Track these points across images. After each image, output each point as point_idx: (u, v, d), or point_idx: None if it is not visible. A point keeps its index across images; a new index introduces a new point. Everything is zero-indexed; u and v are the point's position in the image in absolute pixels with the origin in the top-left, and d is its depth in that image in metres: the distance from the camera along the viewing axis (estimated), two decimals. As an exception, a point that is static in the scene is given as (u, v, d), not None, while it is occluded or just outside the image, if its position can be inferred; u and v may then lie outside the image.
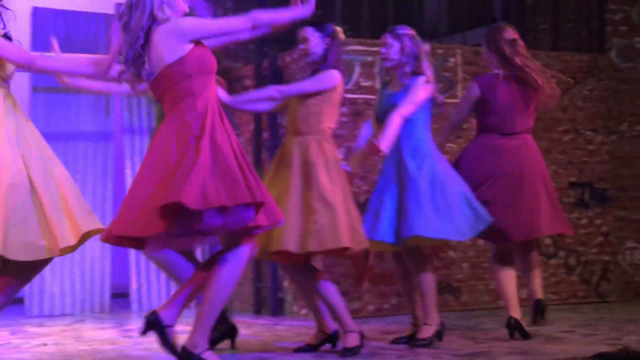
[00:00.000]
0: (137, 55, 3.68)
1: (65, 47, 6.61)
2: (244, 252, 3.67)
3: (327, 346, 4.52)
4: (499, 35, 4.90)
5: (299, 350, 4.48)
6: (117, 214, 3.63)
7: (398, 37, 4.66)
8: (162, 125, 3.68)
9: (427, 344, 4.46)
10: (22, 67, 3.96)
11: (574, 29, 7.32)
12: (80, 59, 4.09)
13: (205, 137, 3.53)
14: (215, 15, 7.43)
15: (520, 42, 4.93)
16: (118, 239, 3.59)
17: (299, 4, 3.89)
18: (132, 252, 6.56)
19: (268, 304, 6.31)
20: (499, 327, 5.19)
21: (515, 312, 4.71)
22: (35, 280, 6.48)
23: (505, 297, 4.77)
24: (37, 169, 3.78)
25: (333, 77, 4.39)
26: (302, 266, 4.41)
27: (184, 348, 3.61)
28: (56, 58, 4.10)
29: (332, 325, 4.50)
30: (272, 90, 4.60)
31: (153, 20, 3.65)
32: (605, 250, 6.87)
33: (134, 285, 6.77)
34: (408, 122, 4.56)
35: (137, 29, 3.65)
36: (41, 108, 6.59)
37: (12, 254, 3.65)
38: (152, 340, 3.99)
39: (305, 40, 4.47)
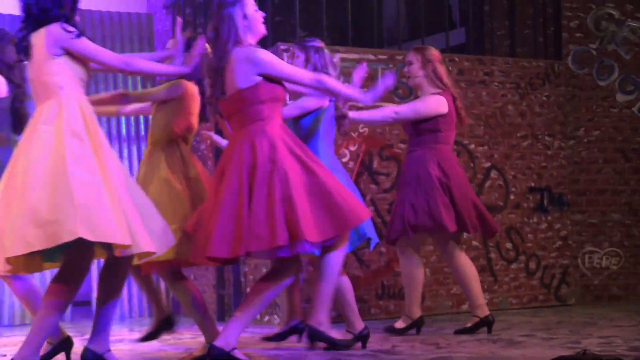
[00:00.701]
0: (218, 72, 3.93)
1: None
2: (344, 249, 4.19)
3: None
4: (433, 56, 5.24)
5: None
6: (201, 234, 3.86)
7: (304, 48, 4.77)
8: (232, 146, 3.92)
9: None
10: (114, 70, 3.93)
11: (530, 35, 7.41)
12: (159, 62, 4.22)
13: (280, 165, 3.83)
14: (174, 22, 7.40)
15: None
16: (209, 259, 3.91)
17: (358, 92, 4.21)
18: (93, 261, 6.50)
19: (230, 311, 6.29)
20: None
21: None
22: (-6, 290, 6.43)
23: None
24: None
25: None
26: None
27: (309, 327, 4.18)
28: (146, 59, 4.12)
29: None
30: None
31: (235, 42, 3.92)
32: (565, 254, 6.96)
33: (95, 294, 6.70)
34: (299, 130, 4.63)
35: (223, 50, 3.91)
36: None
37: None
38: (115, 349, 3.96)
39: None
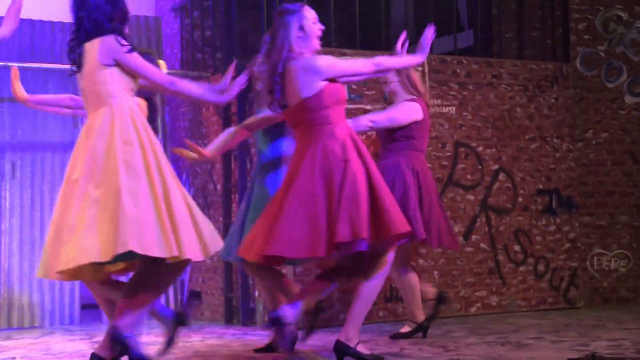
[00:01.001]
0: (274, 84, 4.04)
1: (31, 57, 6.62)
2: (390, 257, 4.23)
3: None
4: None
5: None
6: (259, 234, 3.99)
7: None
8: (301, 152, 4.02)
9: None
10: (160, 88, 4.04)
11: (539, 38, 7.40)
12: (201, 85, 4.24)
13: (352, 166, 3.95)
14: (182, 25, 7.43)
15: None
16: (266, 258, 4.01)
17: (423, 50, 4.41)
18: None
19: (239, 314, 6.30)
20: (469, 335, 5.23)
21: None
22: (4, 292, 6.46)
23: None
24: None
25: None
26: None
27: (338, 341, 4.12)
28: (187, 81, 4.20)
29: None
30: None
31: (289, 53, 4.03)
32: (573, 257, 6.95)
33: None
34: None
35: (277, 61, 4.02)
36: (8, 118, 6.55)
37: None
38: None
39: None
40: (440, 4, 7.35)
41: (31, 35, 6.69)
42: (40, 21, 6.72)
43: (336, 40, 6.77)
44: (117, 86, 3.83)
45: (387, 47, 7.56)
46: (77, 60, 3.89)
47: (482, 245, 6.58)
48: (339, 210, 3.89)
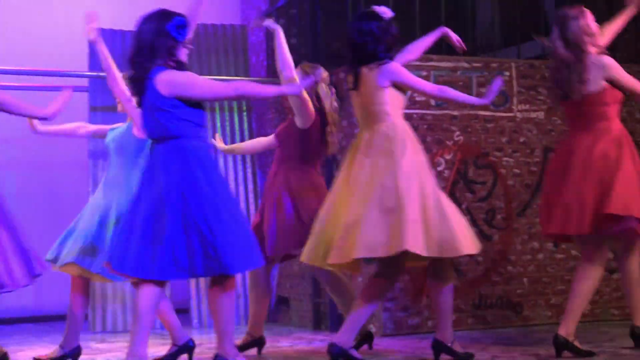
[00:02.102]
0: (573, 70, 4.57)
1: (123, 67, 6.75)
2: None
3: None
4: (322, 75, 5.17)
5: None
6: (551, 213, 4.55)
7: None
8: (577, 143, 4.53)
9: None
10: (431, 96, 4.60)
11: (631, 40, 7.22)
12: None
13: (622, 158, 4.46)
14: (267, 33, 7.50)
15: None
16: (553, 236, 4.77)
17: None
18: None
19: (327, 319, 6.32)
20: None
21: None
22: (98, 296, 6.62)
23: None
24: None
25: None
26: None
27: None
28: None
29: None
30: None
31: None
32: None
33: (194, 301, 6.83)
34: None
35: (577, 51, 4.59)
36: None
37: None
38: (208, 358, 4.02)
39: None
40: (527, 7, 7.25)
41: (123, 47, 6.85)
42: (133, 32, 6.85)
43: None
44: (391, 106, 4.39)
45: (473, 52, 7.50)
46: (354, 81, 4.45)
47: (573, 252, 6.45)
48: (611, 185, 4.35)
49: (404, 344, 5.31)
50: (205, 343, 5.77)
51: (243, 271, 4.17)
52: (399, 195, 4.16)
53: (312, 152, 4.96)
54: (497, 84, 4.37)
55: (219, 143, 5.52)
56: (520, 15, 6.83)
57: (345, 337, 4.27)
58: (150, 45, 3.92)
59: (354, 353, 4.30)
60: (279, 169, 4.98)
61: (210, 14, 7.63)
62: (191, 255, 3.80)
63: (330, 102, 5.04)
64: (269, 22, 4.93)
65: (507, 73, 6.38)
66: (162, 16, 3.98)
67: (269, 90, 4.23)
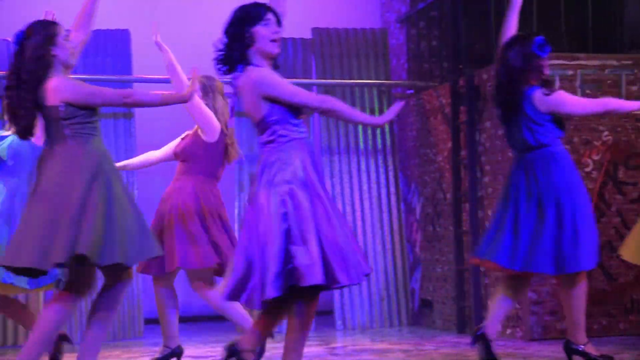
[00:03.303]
0: None
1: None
2: None
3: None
4: (215, 86, 4.93)
5: None
6: None
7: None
8: None
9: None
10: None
11: None
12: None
13: None
14: (408, 35, 7.49)
15: None
16: None
17: None
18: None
19: (471, 323, 6.26)
20: None
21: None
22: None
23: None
24: None
25: None
26: None
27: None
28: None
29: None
30: None
31: None
32: None
33: (338, 303, 6.90)
34: None
35: None
36: (245, 131, 6.90)
37: None
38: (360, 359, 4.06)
39: None
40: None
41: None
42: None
43: (567, 44, 6.58)
44: None
45: (621, 50, 7.27)
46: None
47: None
48: None
49: (554, 349, 5.19)
50: (349, 345, 5.83)
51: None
52: None
53: (220, 163, 4.89)
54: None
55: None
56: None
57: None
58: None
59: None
60: (185, 183, 4.81)
61: (350, 18, 7.71)
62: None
63: (227, 113, 4.89)
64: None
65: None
66: None
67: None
